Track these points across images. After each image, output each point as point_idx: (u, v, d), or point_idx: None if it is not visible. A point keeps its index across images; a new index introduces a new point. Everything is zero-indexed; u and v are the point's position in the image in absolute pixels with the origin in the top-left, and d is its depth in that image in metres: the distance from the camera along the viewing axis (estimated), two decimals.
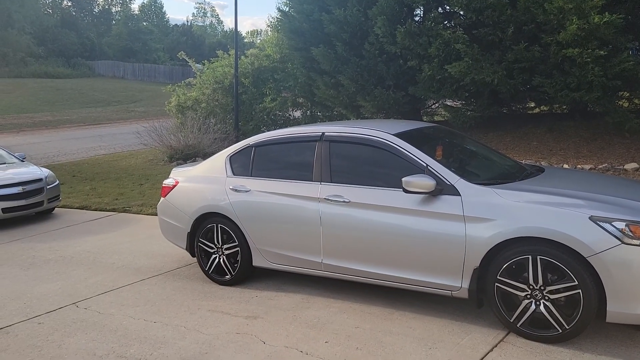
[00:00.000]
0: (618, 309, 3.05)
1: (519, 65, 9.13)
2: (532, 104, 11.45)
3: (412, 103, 11.55)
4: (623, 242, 3.03)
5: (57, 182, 8.54)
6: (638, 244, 3.02)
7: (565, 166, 8.56)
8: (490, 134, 10.67)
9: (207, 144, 12.85)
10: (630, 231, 3.04)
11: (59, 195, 8.51)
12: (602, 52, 8.08)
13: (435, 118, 13.14)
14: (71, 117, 27.65)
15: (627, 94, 9.85)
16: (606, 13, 7.87)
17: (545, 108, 11.45)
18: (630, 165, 8.06)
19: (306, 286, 4.51)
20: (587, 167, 8.41)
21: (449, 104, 11.90)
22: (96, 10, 66.36)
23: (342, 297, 4.21)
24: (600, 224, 3.09)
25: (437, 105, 12.61)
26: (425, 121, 11.84)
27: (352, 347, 3.38)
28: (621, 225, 3.06)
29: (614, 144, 9.12)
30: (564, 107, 10.62)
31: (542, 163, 8.82)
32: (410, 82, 10.77)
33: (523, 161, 8.88)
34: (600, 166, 8.30)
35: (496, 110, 10.60)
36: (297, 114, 15.22)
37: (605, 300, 3.07)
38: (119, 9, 66.58)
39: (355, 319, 3.82)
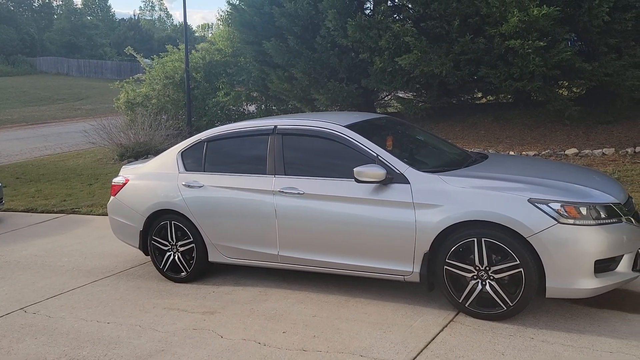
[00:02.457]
0: (556, 284, 3.25)
1: (465, 57, 9.43)
2: (480, 94, 11.85)
3: (365, 95, 11.71)
4: (559, 222, 3.22)
5: None
6: (572, 223, 3.22)
7: (511, 153, 8.93)
8: (441, 124, 10.97)
9: (160, 141, 12.57)
10: (566, 211, 3.24)
11: (2, 198, 8.13)
12: (541, 43, 8.46)
13: (388, 110, 13.38)
14: (12, 116, 26.34)
15: (567, 83, 10.37)
16: (544, 6, 8.25)
17: (491, 98, 11.88)
18: (571, 151, 8.51)
19: (264, 279, 4.53)
20: (532, 153, 8.80)
21: (401, 95, 12.14)
22: (36, 4, 63.25)
23: (300, 288, 4.27)
24: (538, 205, 3.27)
25: (389, 97, 12.83)
26: (378, 113, 12.04)
27: (310, 336, 3.45)
28: (557, 206, 3.26)
29: (555, 131, 9.59)
30: (509, 96, 11.06)
31: (490, 150, 9.17)
32: (362, 74, 10.91)
33: (471, 149, 9.22)
34: (544, 152, 8.71)
35: (446, 101, 10.91)
36: (252, 108, 15.11)
37: (545, 277, 3.26)
38: (61, 2, 63.73)
39: (313, 308, 3.88)
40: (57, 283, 4.89)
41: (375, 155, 3.79)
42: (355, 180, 3.69)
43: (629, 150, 8.11)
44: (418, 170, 3.70)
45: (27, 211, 8.32)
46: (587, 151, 8.42)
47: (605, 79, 8.77)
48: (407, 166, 3.71)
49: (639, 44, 8.68)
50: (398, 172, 3.69)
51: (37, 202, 8.74)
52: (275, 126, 4.30)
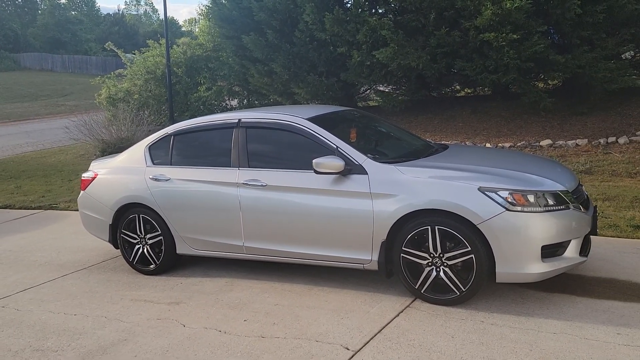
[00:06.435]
0: (506, 270, 3.36)
1: (441, 50, 9.52)
2: (459, 87, 11.96)
3: (345, 89, 11.77)
4: (507, 209, 3.33)
5: None
6: (520, 210, 3.33)
7: (488, 145, 9.06)
8: (420, 117, 11.07)
9: (142, 136, 12.51)
10: (514, 199, 3.35)
11: None
12: (515, 36, 8.57)
13: (369, 103, 13.45)
14: None
15: (542, 76, 10.50)
16: None
17: (469, 91, 12.00)
18: (545, 142, 8.65)
19: (231, 270, 4.61)
20: (507, 145, 8.93)
21: (381, 89, 12.21)
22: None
23: (265, 278, 4.35)
24: (487, 193, 3.38)
25: (369, 90, 12.90)
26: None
27: (269, 323, 3.54)
28: (505, 194, 3.37)
29: (531, 123, 9.73)
30: (487, 89, 11.18)
31: (467, 143, 9.30)
32: (341, 68, 10.97)
33: (449, 142, 9.34)
34: (519, 144, 8.84)
35: (424, 94, 11.01)
36: (234, 102, 15.11)
37: (495, 262, 3.37)
38: None
39: (276, 297, 3.97)
40: (28, 277, 4.93)
41: (335, 147, 3.87)
42: (314, 172, 3.77)
43: (602, 140, 8.27)
44: (376, 161, 3.79)
45: (5, 207, 8.31)
46: (561, 142, 8.57)
47: (578, 71, 8.92)
48: (365, 157, 3.79)
49: (610, 36, 8.82)
50: (357, 163, 3.78)
51: (15, 199, 8.73)
52: (239, 119, 4.37)
